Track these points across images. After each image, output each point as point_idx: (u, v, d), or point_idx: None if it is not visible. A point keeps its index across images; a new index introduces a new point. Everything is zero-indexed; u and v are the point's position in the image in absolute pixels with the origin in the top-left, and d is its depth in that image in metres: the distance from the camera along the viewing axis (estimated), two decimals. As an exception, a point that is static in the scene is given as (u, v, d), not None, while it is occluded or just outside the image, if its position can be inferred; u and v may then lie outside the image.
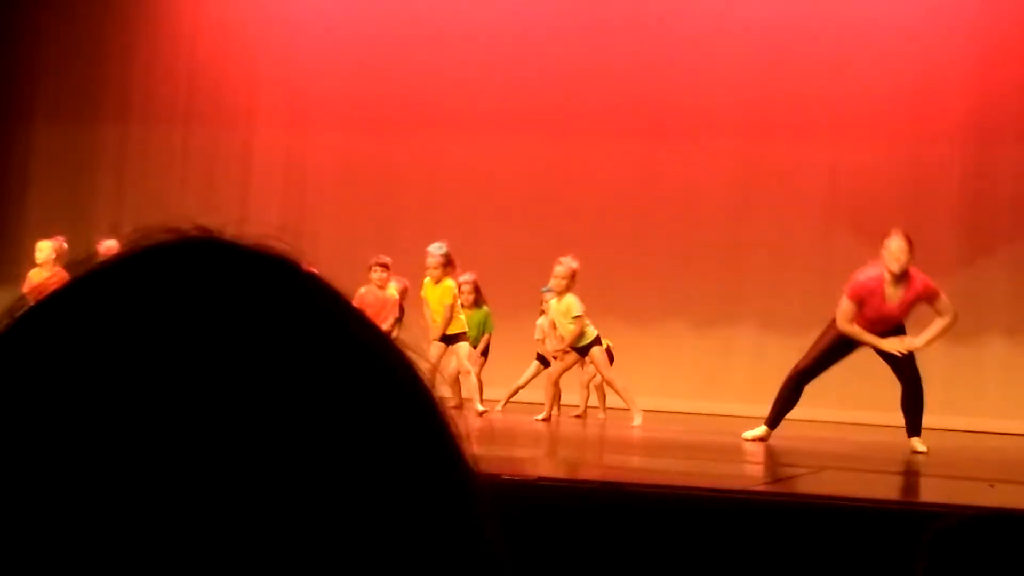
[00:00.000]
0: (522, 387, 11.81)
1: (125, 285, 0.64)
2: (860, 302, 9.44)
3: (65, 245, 12.88)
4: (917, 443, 9.34)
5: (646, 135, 14.23)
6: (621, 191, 14.25)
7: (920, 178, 13.53)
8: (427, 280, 11.59)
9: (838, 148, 13.65)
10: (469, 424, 10.12)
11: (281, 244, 0.67)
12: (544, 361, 11.76)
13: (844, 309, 9.48)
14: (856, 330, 9.47)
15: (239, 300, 0.63)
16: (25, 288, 12.88)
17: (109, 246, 12.66)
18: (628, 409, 11.11)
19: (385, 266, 11.85)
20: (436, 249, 11.57)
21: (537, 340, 11.90)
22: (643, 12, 14.45)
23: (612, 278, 13.47)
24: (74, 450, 0.59)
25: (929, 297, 9.54)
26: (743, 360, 13.71)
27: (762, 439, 9.59)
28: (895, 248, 9.39)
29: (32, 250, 13.13)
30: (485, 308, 12.13)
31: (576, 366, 11.57)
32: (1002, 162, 13.48)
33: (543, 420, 11.00)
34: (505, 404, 11.73)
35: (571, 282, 11.07)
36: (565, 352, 11.21)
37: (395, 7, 15.08)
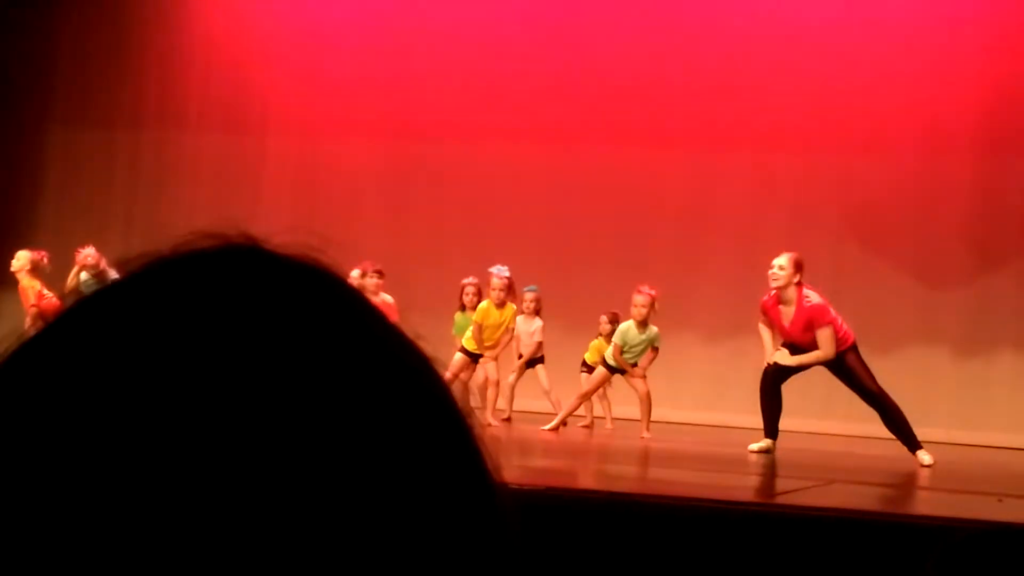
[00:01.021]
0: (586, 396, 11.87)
1: (166, 289, 0.64)
2: (766, 315, 9.80)
3: (46, 261, 12.95)
4: (923, 456, 9.30)
5: (656, 146, 14.22)
6: (631, 201, 14.24)
7: (930, 192, 13.50)
8: (484, 304, 11.57)
9: (848, 161, 13.64)
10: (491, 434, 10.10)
11: (322, 255, 0.68)
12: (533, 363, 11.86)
13: (760, 324, 9.97)
14: (763, 332, 9.88)
15: (279, 308, 0.64)
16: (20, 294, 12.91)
17: (87, 254, 12.73)
18: (639, 420, 11.12)
19: (380, 272, 11.87)
20: (501, 271, 11.58)
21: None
22: (656, 22, 14.45)
23: (621, 289, 13.43)
24: (110, 451, 0.60)
25: (814, 322, 9.54)
26: (752, 371, 13.65)
27: (767, 451, 9.57)
28: (775, 264, 9.69)
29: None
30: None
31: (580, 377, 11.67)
32: (1012, 175, 13.46)
33: (551, 430, 11.01)
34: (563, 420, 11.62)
35: (651, 311, 11.13)
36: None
37: (408, 16, 15.09)
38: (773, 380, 9.70)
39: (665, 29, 14.44)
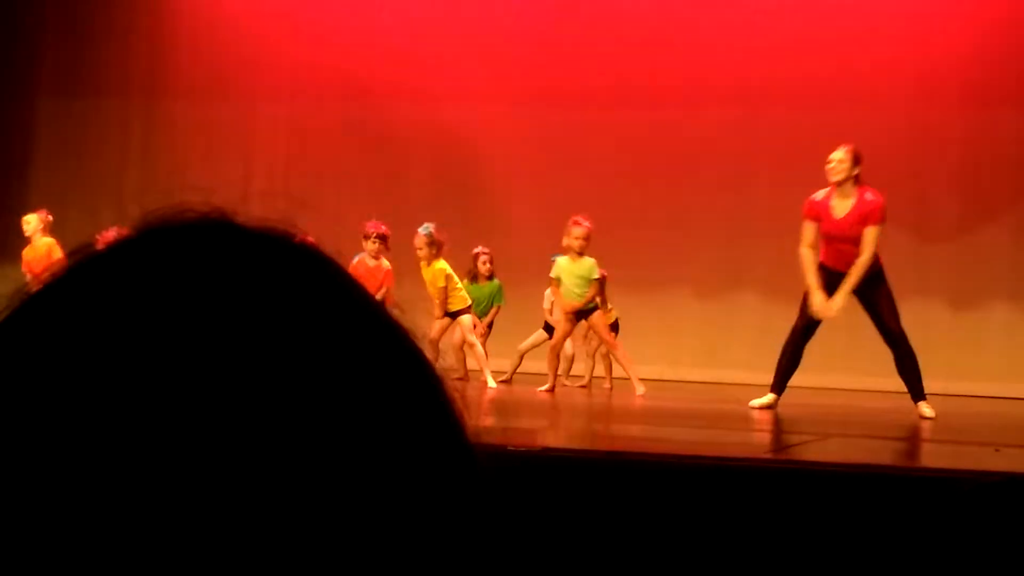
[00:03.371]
0: (525, 352, 11.90)
1: (133, 265, 0.64)
2: (815, 219, 9.61)
3: (50, 217, 12.94)
4: (924, 408, 9.29)
5: (648, 102, 14.19)
6: (623, 159, 14.23)
7: (921, 143, 13.49)
8: (422, 262, 11.60)
9: (840, 114, 13.60)
10: (474, 395, 10.13)
11: (290, 225, 0.69)
12: (550, 330, 11.77)
13: (802, 232, 9.70)
14: (806, 262, 9.63)
15: (247, 281, 0.64)
16: (24, 266, 12.91)
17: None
18: (619, 377, 11.13)
19: (381, 236, 11.77)
20: (422, 230, 11.55)
21: (545, 309, 11.97)
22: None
23: (615, 246, 13.44)
24: (82, 437, 0.59)
25: (868, 218, 9.47)
26: (746, 328, 13.70)
27: (769, 406, 9.56)
28: (832, 158, 9.61)
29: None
30: (496, 281, 12.22)
31: (578, 337, 11.61)
32: (1003, 126, 13.45)
33: (547, 391, 11.00)
34: (512, 374, 11.76)
35: (587, 243, 11.09)
36: (574, 311, 11.08)
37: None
38: (801, 338, 9.65)
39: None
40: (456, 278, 11.63)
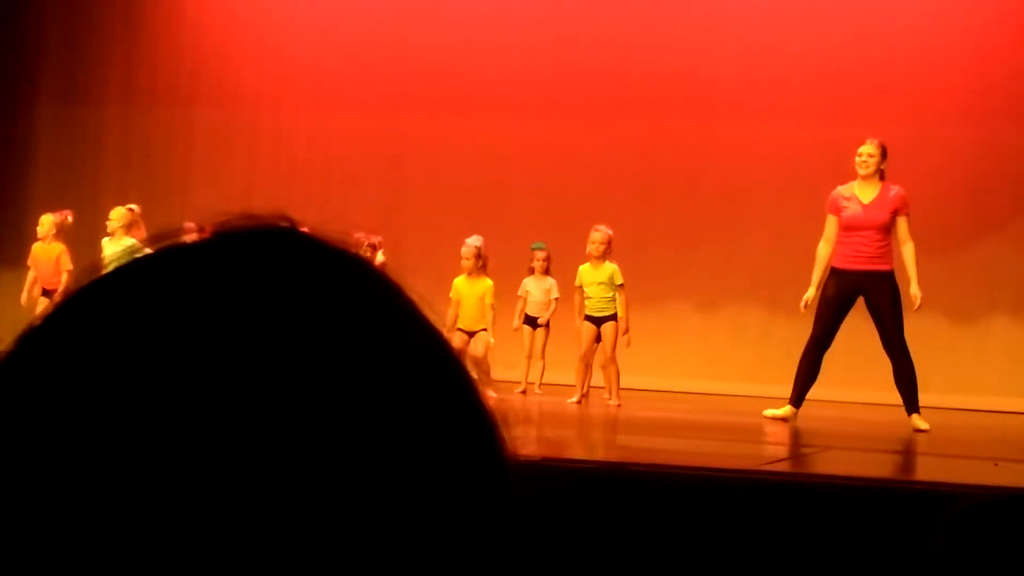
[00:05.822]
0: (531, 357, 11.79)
1: (191, 268, 0.65)
2: (837, 211, 9.75)
3: (70, 219, 12.91)
4: (918, 421, 9.30)
5: (651, 114, 14.20)
6: (625, 170, 14.23)
7: (924, 157, 13.48)
8: (465, 274, 11.44)
9: (842, 127, 13.61)
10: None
11: (353, 239, 0.70)
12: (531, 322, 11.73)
13: (826, 227, 9.84)
14: (819, 257, 9.82)
15: (308, 291, 0.65)
16: (29, 261, 12.92)
17: (123, 216, 12.67)
18: (623, 388, 11.09)
19: (374, 246, 11.77)
20: (471, 241, 11.44)
21: (519, 297, 11.84)
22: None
23: (616, 258, 13.46)
24: (125, 438, 0.60)
25: (900, 208, 9.73)
26: (749, 340, 13.70)
27: (785, 419, 9.51)
28: (862, 152, 9.85)
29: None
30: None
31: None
32: (1007, 140, 13.45)
33: (576, 402, 10.95)
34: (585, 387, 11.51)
35: (609, 249, 11.10)
36: (595, 320, 11.06)
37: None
38: (817, 350, 9.68)
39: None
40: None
